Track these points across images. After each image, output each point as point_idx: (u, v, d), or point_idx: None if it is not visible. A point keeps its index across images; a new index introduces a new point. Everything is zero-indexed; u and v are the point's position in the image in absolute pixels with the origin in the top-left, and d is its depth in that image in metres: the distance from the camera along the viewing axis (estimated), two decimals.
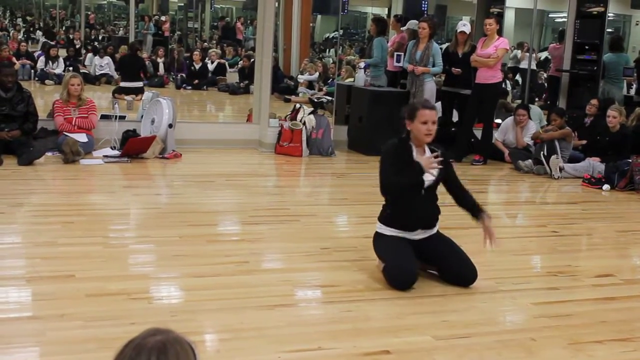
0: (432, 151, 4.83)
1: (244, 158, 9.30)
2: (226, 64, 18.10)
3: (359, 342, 3.83)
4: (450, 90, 10.20)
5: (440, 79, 10.60)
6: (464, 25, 10.21)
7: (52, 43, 18.99)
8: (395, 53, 10.54)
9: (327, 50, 22.22)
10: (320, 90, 15.02)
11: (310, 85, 15.64)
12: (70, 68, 15.29)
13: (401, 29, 11.23)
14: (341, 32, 25.21)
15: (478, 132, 10.01)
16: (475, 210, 4.89)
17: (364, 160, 9.58)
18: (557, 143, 9.27)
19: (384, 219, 4.93)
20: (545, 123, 10.65)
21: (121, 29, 26.02)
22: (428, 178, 4.75)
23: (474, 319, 4.30)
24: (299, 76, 16.30)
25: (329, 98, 13.21)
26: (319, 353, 3.68)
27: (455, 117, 10.48)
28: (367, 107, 10.00)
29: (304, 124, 9.54)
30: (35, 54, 17.77)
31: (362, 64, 11.29)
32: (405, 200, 4.80)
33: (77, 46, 17.29)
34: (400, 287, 4.63)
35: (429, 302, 4.53)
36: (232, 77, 17.28)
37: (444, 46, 10.90)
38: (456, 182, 5.01)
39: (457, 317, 4.31)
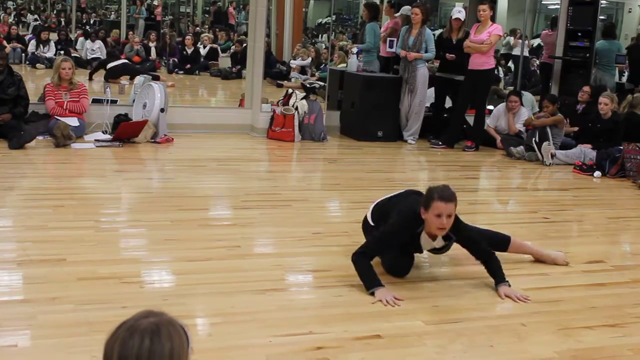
0: (444, 239, 4.55)
1: (236, 143, 9.29)
2: (218, 48, 18.05)
3: (350, 327, 3.84)
4: (444, 76, 10.19)
5: (433, 65, 10.60)
6: (459, 12, 10.19)
7: (44, 26, 18.92)
8: (388, 39, 10.53)
9: (320, 35, 22.18)
10: (312, 75, 15.00)
11: (302, 70, 15.62)
12: (62, 52, 15.21)
13: (394, 14, 11.21)
14: (334, 17, 25.19)
15: (470, 119, 10.02)
16: (497, 278, 4.62)
17: (356, 145, 9.58)
18: (548, 130, 9.27)
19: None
20: (537, 110, 10.66)
21: (113, 12, 25.91)
22: (427, 248, 4.65)
23: (465, 304, 4.31)
24: (292, 61, 16.27)
25: (322, 83, 13.20)
26: (310, 337, 3.68)
27: (448, 103, 10.48)
28: (359, 93, 9.99)
29: (297, 109, 9.52)
30: (26, 38, 17.69)
31: (354, 50, 11.27)
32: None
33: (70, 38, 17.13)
34: (397, 275, 4.65)
35: (419, 287, 4.54)
36: (225, 61, 17.25)
37: (437, 32, 10.88)
38: (474, 246, 4.65)
39: (448, 302, 4.32)
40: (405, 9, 10.73)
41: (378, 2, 12.44)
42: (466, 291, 4.54)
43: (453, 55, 9.87)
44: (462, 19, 10.06)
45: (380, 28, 11.20)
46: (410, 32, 9.95)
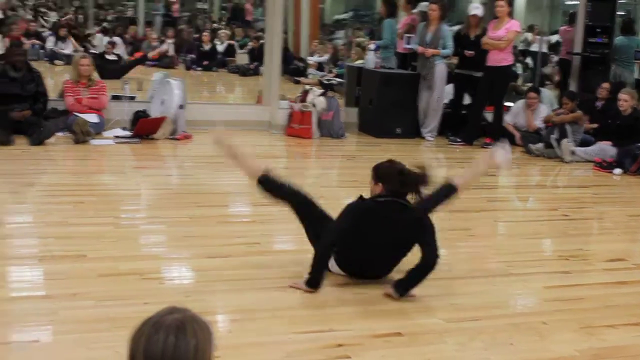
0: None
1: (255, 140, 9.26)
2: (236, 45, 18.07)
3: (370, 324, 3.83)
4: (463, 72, 10.15)
5: (452, 62, 10.55)
6: (476, 8, 10.16)
7: (62, 23, 19.01)
8: (406, 35, 10.50)
9: (337, 32, 22.13)
10: (330, 72, 14.98)
11: (320, 67, 15.61)
12: (81, 48, 15.27)
13: (412, 11, 11.18)
14: (351, 13, 25.15)
15: (489, 115, 9.98)
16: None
17: (375, 142, 9.55)
18: (568, 126, 9.22)
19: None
20: (557, 106, 10.60)
21: (130, 9, 25.99)
22: None
23: (485, 302, 4.29)
24: (309, 58, 16.27)
25: (339, 80, 13.19)
26: (330, 334, 3.68)
27: (467, 100, 10.43)
28: (377, 89, 9.97)
29: (314, 105, 9.51)
30: (45, 34, 17.78)
31: (372, 46, 11.24)
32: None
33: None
34: None
35: (439, 284, 4.50)
36: (242, 58, 17.26)
37: (455, 28, 10.83)
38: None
39: (468, 300, 4.31)
40: (423, 5, 10.70)
41: None
42: (486, 289, 4.52)
43: (472, 52, 9.83)
44: (480, 15, 10.02)
45: (397, 24, 11.17)
46: (427, 29, 9.92)
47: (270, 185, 4.61)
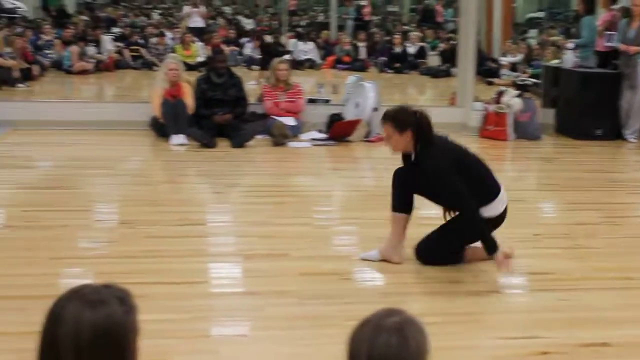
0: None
1: None
2: (426, 47, 18.02)
3: (576, 333, 3.70)
4: None
5: None
6: None
7: (258, 29, 19.75)
8: (606, 32, 10.08)
9: (530, 31, 21.62)
10: (524, 72, 14.63)
11: (513, 67, 15.28)
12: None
13: (611, 7, 10.72)
14: (544, 12, 24.44)
15: None
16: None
17: (574, 144, 9.20)
18: None
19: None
20: None
21: (322, 14, 26.58)
22: None
23: None
24: (502, 58, 15.97)
25: (534, 80, 12.86)
26: (534, 341, 3.58)
27: None
28: (575, 90, 9.62)
29: (510, 107, 9.31)
30: (242, 41, 18.52)
31: (569, 45, 10.86)
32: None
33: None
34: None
35: None
36: (433, 60, 17.20)
37: None
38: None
39: None
40: (624, 1, 10.23)
41: None
42: None
43: None
44: None
45: (596, 21, 10.75)
46: (630, 25, 9.46)
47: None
